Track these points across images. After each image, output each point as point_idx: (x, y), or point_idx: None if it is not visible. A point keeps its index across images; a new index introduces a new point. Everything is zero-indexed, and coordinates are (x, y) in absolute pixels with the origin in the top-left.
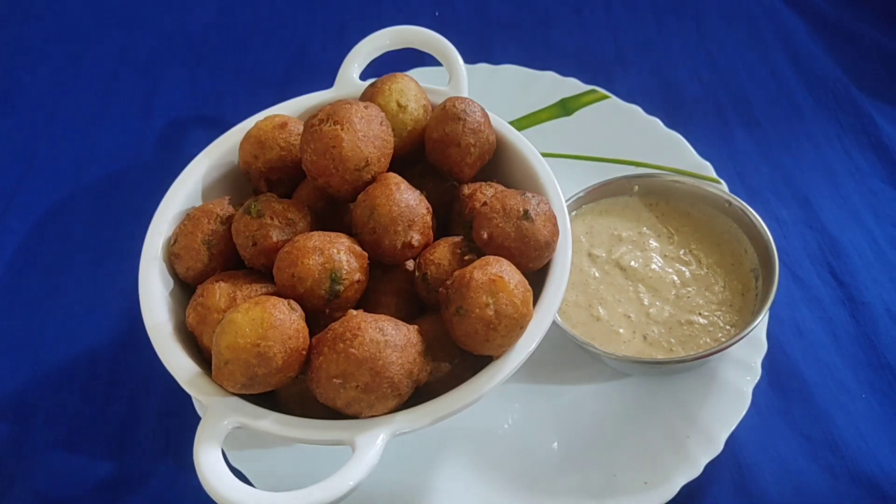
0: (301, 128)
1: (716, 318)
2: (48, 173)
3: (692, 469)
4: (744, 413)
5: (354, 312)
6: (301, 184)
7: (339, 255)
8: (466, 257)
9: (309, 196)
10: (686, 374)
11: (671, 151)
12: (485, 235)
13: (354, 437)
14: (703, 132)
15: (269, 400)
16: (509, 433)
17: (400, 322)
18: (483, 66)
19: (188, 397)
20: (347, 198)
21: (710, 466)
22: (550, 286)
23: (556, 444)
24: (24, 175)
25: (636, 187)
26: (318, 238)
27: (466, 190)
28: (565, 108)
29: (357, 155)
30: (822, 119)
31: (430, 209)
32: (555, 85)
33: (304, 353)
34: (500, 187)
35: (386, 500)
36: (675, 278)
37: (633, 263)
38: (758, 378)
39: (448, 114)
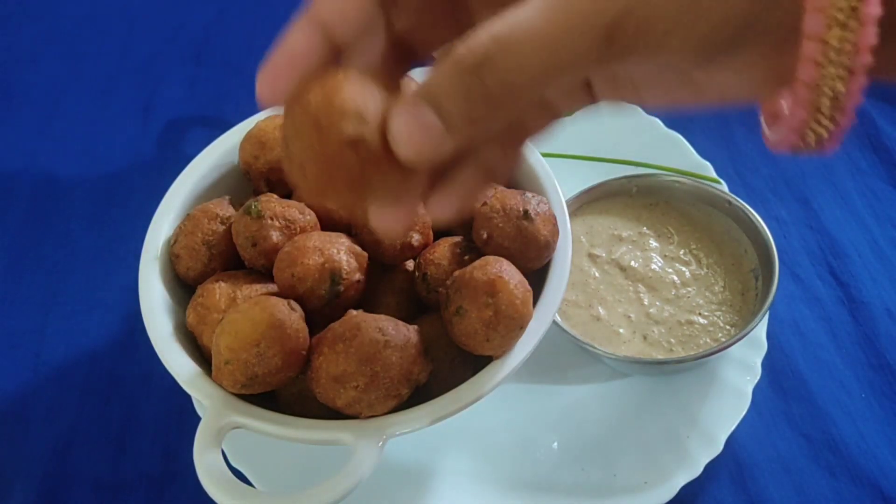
0: None
1: (716, 318)
2: (48, 173)
3: (692, 469)
4: (744, 413)
5: (354, 312)
6: None
7: (339, 255)
8: (466, 257)
9: None
10: (686, 374)
11: (671, 151)
12: (484, 235)
13: (354, 437)
14: (703, 132)
15: (268, 400)
16: (509, 433)
17: (400, 322)
18: None
19: (188, 397)
20: None
21: (710, 466)
22: (550, 286)
23: (555, 444)
24: (23, 175)
25: (636, 187)
26: (317, 238)
27: None
28: None
29: None
30: None
31: None
32: None
33: (304, 353)
34: (500, 187)
35: (385, 501)
36: (675, 278)
37: (633, 263)
38: (757, 378)
39: None
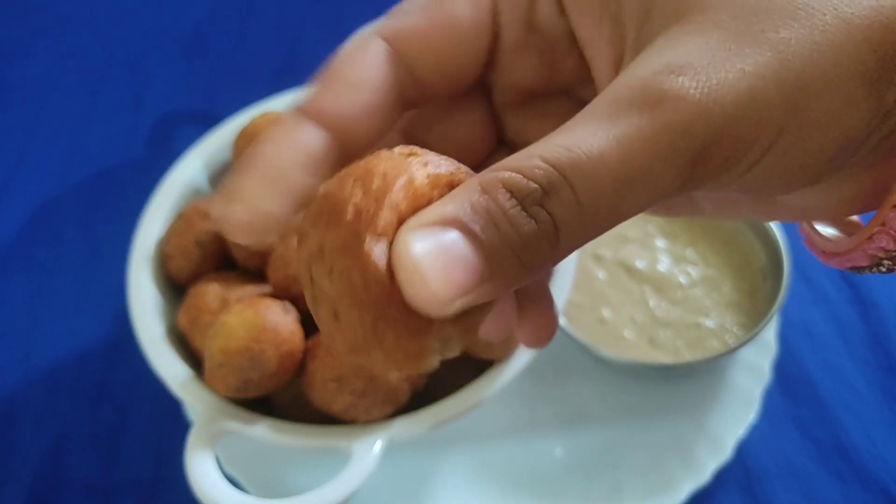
0: None
1: (724, 320)
2: (37, 172)
3: (699, 475)
4: (752, 418)
5: None
6: None
7: None
8: None
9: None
10: (693, 378)
11: None
12: None
13: (351, 443)
14: None
15: (262, 405)
16: (511, 439)
17: None
18: None
19: (180, 401)
20: None
21: (718, 473)
22: (555, 288)
23: (559, 449)
24: (12, 174)
25: None
26: None
27: None
28: None
29: None
30: None
31: None
32: None
33: (299, 356)
34: None
35: None
36: (682, 279)
37: (638, 264)
38: (767, 381)
39: None
